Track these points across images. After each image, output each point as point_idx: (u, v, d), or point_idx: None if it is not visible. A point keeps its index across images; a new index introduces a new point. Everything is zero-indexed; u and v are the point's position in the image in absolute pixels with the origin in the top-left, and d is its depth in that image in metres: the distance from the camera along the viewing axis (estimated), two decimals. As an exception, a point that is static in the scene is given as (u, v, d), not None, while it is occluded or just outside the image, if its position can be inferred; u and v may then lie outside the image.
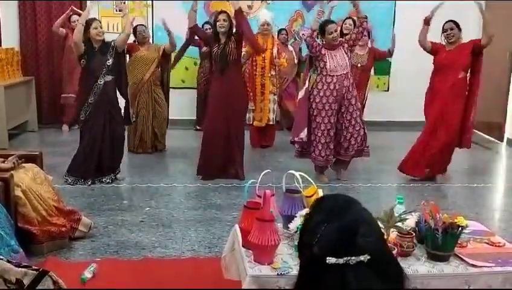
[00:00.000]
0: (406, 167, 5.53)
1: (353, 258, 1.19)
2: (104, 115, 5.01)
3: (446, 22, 5.32)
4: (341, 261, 1.19)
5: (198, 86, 7.67)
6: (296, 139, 5.26)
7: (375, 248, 1.22)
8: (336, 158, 5.32)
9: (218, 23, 5.18)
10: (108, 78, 5.00)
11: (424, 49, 5.39)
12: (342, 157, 5.30)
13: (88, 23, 4.96)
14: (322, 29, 5.09)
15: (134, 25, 6.09)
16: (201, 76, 7.53)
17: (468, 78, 5.29)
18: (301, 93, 5.30)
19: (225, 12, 5.30)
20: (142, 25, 6.59)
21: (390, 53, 6.74)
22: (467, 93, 5.29)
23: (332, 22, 5.21)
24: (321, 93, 5.08)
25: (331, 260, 1.20)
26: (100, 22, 5.11)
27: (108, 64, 4.98)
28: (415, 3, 7.88)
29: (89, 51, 4.94)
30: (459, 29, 5.27)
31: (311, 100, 5.15)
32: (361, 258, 1.19)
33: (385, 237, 1.34)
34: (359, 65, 6.58)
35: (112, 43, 5.05)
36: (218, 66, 5.20)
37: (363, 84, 6.76)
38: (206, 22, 7.39)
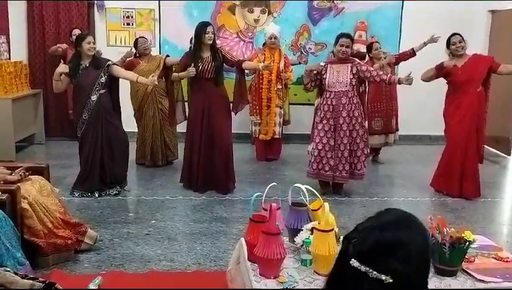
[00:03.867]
0: (435, 183, 5.53)
1: (374, 272, 1.20)
2: (100, 129, 4.99)
3: (453, 35, 5.30)
4: (362, 268, 1.20)
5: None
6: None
7: (406, 276, 1.20)
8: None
9: (206, 36, 5.12)
10: (102, 91, 4.98)
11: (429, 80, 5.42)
12: (335, 179, 5.19)
13: (81, 38, 4.99)
14: (337, 39, 5.13)
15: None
16: None
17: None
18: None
19: (211, 25, 5.28)
20: (143, 37, 6.61)
21: (414, 52, 6.53)
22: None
23: (349, 36, 5.22)
24: (321, 108, 5.12)
25: (354, 263, 1.22)
26: (93, 38, 5.11)
27: (102, 81, 4.95)
28: (422, 10, 7.93)
29: (78, 68, 4.92)
30: (465, 42, 5.26)
31: (317, 113, 5.20)
32: (382, 277, 1.19)
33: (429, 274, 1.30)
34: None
35: (107, 63, 5.01)
36: (203, 81, 5.16)
37: (393, 95, 6.71)
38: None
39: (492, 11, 8.01)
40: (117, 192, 5.14)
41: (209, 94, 5.19)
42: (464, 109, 5.21)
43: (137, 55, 6.36)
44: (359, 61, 5.40)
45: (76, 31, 7.11)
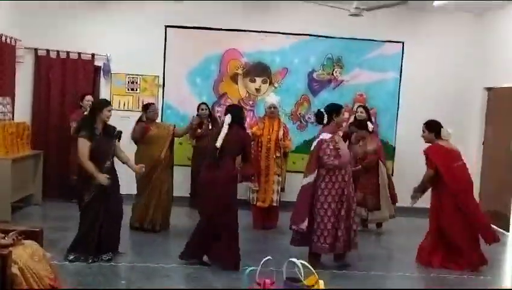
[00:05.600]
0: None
1: None
2: (108, 195, 5.00)
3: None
4: None
5: (193, 164, 7.48)
6: (295, 228, 5.14)
7: None
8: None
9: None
10: (112, 159, 5.10)
11: None
12: (352, 248, 5.21)
13: (104, 104, 5.13)
14: (337, 109, 5.25)
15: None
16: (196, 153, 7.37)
17: None
18: (305, 180, 5.18)
19: None
20: (154, 103, 6.76)
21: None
22: None
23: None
24: (333, 179, 5.06)
25: None
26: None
27: (114, 148, 5.09)
28: (419, 84, 8.14)
29: (94, 135, 4.98)
30: (430, 131, 5.50)
31: (322, 188, 5.07)
32: None
33: None
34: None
35: (116, 130, 5.14)
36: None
37: (373, 172, 6.74)
38: (203, 103, 7.61)
39: (488, 88, 8.20)
40: (110, 258, 5.06)
41: (223, 166, 5.11)
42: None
43: (144, 119, 6.41)
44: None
45: (89, 98, 7.38)
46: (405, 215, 7.20)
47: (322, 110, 5.29)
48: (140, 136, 6.27)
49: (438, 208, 5.43)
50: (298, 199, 5.27)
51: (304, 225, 5.05)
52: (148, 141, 6.28)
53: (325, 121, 5.21)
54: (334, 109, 5.25)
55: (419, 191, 5.59)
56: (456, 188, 5.32)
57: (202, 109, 7.49)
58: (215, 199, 4.96)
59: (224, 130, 4.99)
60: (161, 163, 6.26)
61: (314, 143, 5.22)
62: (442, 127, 5.52)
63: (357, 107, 7.42)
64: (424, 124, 5.57)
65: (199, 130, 7.34)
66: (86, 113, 5.72)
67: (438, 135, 5.47)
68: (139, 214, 6.29)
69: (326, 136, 5.12)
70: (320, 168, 5.09)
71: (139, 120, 6.46)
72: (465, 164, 5.54)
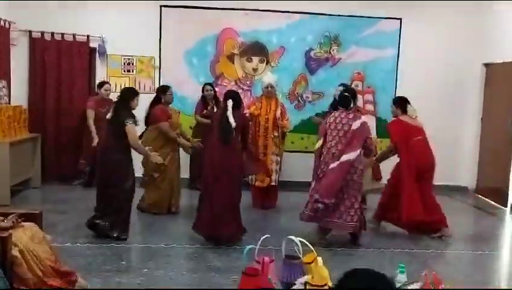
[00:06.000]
0: None
1: None
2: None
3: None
4: None
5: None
6: (326, 201, 5.03)
7: None
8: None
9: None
10: None
11: None
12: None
13: (136, 93, 5.26)
14: (355, 93, 5.45)
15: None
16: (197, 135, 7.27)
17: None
18: (345, 157, 5.04)
19: None
20: (170, 86, 6.48)
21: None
22: None
23: None
24: (363, 161, 5.21)
25: None
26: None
27: None
28: (417, 62, 8.09)
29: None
30: (397, 107, 5.83)
31: (361, 168, 5.13)
32: None
33: None
34: None
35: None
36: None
37: None
38: (208, 84, 7.58)
39: (487, 64, 8.17)
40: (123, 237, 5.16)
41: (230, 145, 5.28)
42: None
43: (162, 101, 6.22)
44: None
45: (108, 86, 7.43)
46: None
47: (346, 94, 5.33)
48: (167, 120, 6.13)
49: None
50: (333, 174, 5.07)
51: (332, 200, 5.05)
52: (172, 127, 6.21)
53: (352, 104, 5.27)
54: (355, 92, 5.48)
55: (378, 160, 6.08)
56: (407, 162, 5.61)
57: (207, 90, 7.44)
58: (224, 176, 5.08)
59: (230, 113, 5.13)
60: (177, 149, 6.29)
61: (357, 124, 5.10)
62: (409, 103, 5.81)
63: (337, 86, 6.87)
64: (392, 99, 6.03)
65: (205, 111, 7.31)
66: (114, 101, 5.56)
67: (404, 111, 5.78)
68: (164, 200, 6.23)
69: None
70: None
71: (156, 102, 6.21)
72: (425, 139, 5.79)
